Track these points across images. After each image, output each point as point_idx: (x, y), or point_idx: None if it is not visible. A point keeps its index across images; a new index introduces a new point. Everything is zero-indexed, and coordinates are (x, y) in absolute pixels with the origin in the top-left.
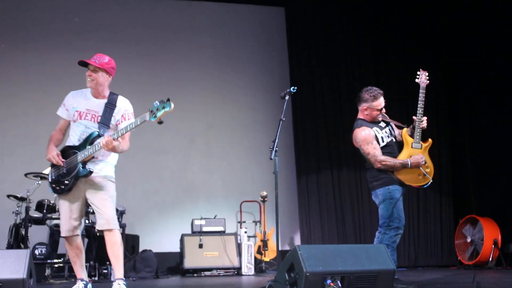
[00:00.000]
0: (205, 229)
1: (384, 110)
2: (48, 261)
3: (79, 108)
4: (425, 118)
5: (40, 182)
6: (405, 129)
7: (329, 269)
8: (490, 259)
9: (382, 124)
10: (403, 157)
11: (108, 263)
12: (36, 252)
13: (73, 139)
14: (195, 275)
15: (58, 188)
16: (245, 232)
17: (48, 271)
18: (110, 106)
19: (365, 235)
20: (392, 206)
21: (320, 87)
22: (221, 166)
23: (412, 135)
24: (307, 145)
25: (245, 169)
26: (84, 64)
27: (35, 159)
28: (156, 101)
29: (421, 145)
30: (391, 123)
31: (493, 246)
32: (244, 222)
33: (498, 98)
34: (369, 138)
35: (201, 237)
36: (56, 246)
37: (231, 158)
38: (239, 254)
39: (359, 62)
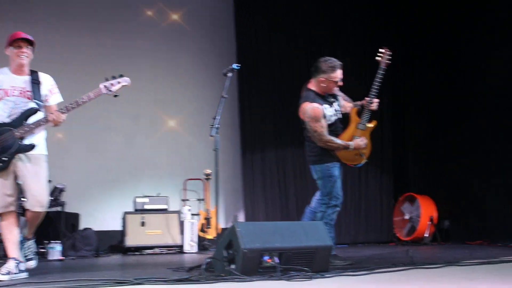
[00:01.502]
0: (147, 207)
1: (341, 83)
2: None
3: (3, 85)
4: (376, 100)
5: None
6: (354, 108)
7: (267, 245)
8: (426, 235)
9: (331, 99)
10: (346, 137)
11: (46, 242)
12: None
13: (1, 117)
14: (137, 253)
15: None
16: (189, 210)
17: None
18: (36, 82)
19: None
20: (330, 184)
21: (269, 62)
22: (166, 143)
23: (359, 115)
24: (252, 122)
25: (190, 147)
26: (23, 40)
27: None
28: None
29: (366, 126)
30: (339, 97)
31: (429, 222)
32: (188, 200)
33: (440, 79)
34: (318, 116)
35: (143, 215)
36: None
37: (176, 135)
38: (182, 232)
39: (312, 39)
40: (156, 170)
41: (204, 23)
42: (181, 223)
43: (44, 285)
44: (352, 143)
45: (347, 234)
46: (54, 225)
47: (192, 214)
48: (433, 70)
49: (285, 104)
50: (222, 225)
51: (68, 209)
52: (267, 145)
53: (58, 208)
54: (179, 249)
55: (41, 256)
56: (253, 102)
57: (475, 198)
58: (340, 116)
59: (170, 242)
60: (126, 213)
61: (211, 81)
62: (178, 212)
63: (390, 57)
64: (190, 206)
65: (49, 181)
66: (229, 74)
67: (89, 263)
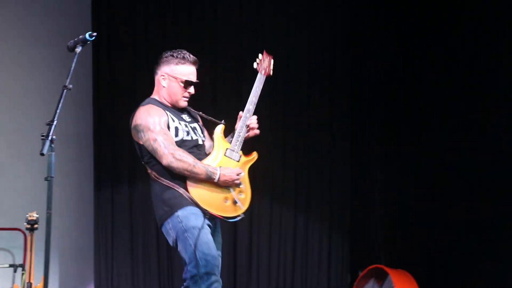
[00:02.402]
0: None
1: (192, 91)
2: None
3: None
4: (254, 117)
5: None
6: (221, 126)
7: None
8: None
9: (186, 117)
10: (209, 163)
11: None
12: None
13: None
14: None
15: None
16: None
17: None
18: None
19: None
20: (190, 242)
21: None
22: None
23: (231, 138)
24: (112, 136)
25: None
26: None
27: None
28: None
29: (240, 156)
30: (199, 117)
31: None
32: None
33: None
34: (158, 121)
35: None
36: None
37: None
38: None
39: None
40: None
41: None
42: None
43: None
44: (219, 169)
45: None
46: None
47: None
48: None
49: None
50: None
51: None
52: (136, 173)
53: None
54: None
55: None
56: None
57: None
58: (201, 143)
59: None
60: None
61: (42, 64)
62: None
63: (271, 67)
64: None
65: None
66: (78, 49)
67: None
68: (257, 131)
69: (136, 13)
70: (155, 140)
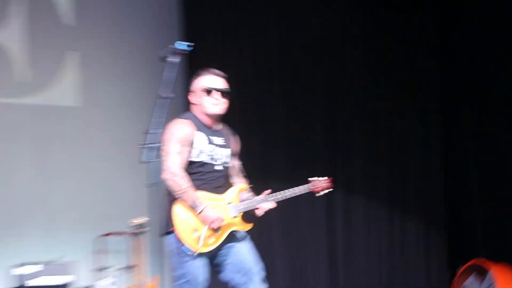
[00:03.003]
0: (33, 282)
1: (219, 97)
2: None
3: None
4: (272, 205)
5: None
6: (244, 186)
7: None
8: None
9: (219, 140)
10: (203, 198)
11: None
12: None
13: None
14: None
15: None
16: (113, 284)
17: None
18: None
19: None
20: (180, 266)
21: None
22: (61, 178)
23: (241, 196)
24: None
25: (104, 181)
26: None
27: None
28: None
29: (236, 217)
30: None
31: None
32: (106, 268)
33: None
34: (181, 137)
35: None
36: None
37: (78, 164)
38: None
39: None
40: (48, 220)
41: None
42: None
43: None
44: (204, 205)
45: None
46: None
47: None
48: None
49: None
50: None
51: None
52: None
53: None
54: None
55: None
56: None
57: None
58: (221, 167)
59: None
60: None
61: (135, 75)
62: None
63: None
64: (113, 277)
65: None
66: (171, 59)
67: None
68: (260, 214)
69: (225, 21)
70: (167, 153)
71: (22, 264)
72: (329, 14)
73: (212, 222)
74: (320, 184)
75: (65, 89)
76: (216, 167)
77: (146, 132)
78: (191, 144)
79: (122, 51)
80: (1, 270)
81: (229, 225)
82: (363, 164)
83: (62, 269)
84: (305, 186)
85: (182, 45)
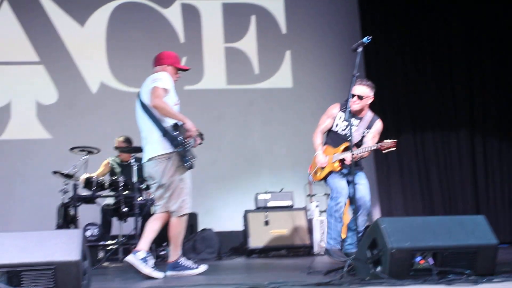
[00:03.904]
0: (270, 204)
1: (356, 104)
2: (101, 243)
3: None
4: (351, 155)
5: (87, 157)
6: (346, 146)
7: (418, 244)
8: None
9: (355, 121)
10: (328, 151)
11: (165, 244)
12: (88, 233)
13: None
14: (262, 255)
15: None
16: (317, 206)
17: (101, 254)
18: None
19: (456, 207)
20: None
21: (398, 41)
22: (285, 132)
23: (346, 150)
24: (384, 105)
25: (302, 140)
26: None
27: (80, 130)
28: None
29: (336, 163)
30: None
31: None
32: (315, 195)
33: None
34: (329, 112)
35: (266, 213)
36: (109, 227)
37: (296, 122)
38: (310, 231)
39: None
40: (276, 162)
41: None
42: (309, 221)
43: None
44: (319, 151)
45: (508, 233)
46: None
47: (321, 211)
48: None
49: (420, 81)
50: None
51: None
52: (402, 130)
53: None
54: (308, 250)
55: (162, 259)
56: (383, 81)
57: None
58: (352, 138)
59: (297, 242)
60: (247, 211)
61: (331, 61)
62: (305, 209)
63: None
64: (318, 202)
65: None
66: (359, 49)
67: (213, 267)
68: (348, 162)
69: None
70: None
71: (265, 192)
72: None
73: (321, 163)
74: (386, 144)
75: (283, 76)
76: (344, 136)
77: (346, 100)
78: (334, 119)
79: (321, 47)
80: (251, 196)
81: (329, 166)
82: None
83: (286, 196)
84: (376, 144)
85: (367, 40)
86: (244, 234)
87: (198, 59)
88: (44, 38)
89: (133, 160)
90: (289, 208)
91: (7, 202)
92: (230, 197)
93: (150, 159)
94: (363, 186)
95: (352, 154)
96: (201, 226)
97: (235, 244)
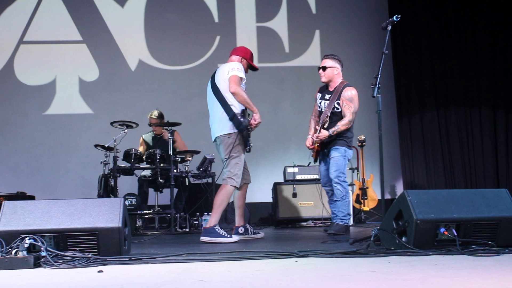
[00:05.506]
0: (298, 177)
1: (322, 76)
2: (139, 212)
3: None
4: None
5: (126, 130)
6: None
7: (443, 216)
8: None
9: (327, 95)
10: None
11: (199, 214)
12: (126, 202)
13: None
14: (290, 225)
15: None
16: None
17: (139, 222)
18: None
19: (477, 181)
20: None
21: (424, 19)
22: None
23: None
24: (409, 82)
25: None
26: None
27: (119, 105)
28: None
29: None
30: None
31: None
32: None
33: None
34: (315, 97)
35: (294, 185)
36: (146, 197)
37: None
38: None
39: None
40: (304, 137)
41: None
42: None
43: (207, 255)
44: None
45: None
46: (205, 197)
47: None
48: None
49: (445, 58)
50: (379, 195)
51: (218, 180)
52: (426, 106)
53: (209, 180)
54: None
55: (195, 228)
56: (409, 58)
57: None
58: (327, 110)
59: (323, 214)
60: (276, 184)
61: (359, 39)
62: None
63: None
64: None
65: (198, 152)
66: (389, 28)
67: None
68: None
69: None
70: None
71: (293, 166)
72: None
73: (319, 137)
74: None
75: (312, 55)
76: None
77: (374, 77)
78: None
79: (349, 26)
80: (280, 169)
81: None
82: None
83: (313, 170)
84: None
85: (396, 18)
86: (273, 205)
87: (232, 38)
88: (86, 19)
89: (169, 134)
90: (316, 181)
91: (52, 173)
92: (260, 170)
93: (216, 138)
94: (331, 160)
95: (316, 134)
96: (232, 197)
97: (264, 215)
